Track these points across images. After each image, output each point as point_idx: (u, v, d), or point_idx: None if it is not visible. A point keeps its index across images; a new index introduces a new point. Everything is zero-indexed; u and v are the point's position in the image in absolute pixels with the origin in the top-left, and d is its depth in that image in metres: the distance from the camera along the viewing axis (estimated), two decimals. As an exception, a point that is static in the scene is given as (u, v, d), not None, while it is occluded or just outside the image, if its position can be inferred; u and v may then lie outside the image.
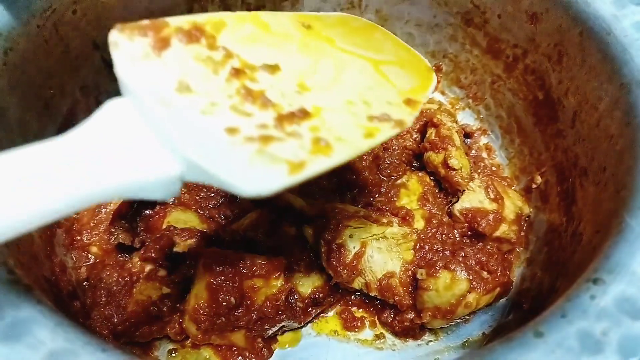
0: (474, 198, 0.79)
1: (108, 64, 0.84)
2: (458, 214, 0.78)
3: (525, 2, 0.80)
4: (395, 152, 0.88)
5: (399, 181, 0.85)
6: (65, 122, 0.78)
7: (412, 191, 0.84)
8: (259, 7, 0.93)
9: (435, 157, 0.83)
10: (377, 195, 0.83)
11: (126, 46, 0.46)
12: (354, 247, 0.73)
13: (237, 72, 0.50)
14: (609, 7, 0.69)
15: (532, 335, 0.46)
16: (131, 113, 0.43)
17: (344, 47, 0.60)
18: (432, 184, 0.85)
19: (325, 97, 0.52)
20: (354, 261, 0.72)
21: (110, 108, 0.44)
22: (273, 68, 0.52)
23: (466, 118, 0.98)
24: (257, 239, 0.75)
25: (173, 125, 0.42)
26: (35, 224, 0.38)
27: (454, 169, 0.81)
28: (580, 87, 0.73)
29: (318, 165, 0.45)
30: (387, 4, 0.97)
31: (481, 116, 0.97)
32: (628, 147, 0.62)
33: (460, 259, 0.71)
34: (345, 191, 0.82)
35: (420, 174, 0.86)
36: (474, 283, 0.70)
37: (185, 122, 0.43)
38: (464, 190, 0.80)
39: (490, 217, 0.76)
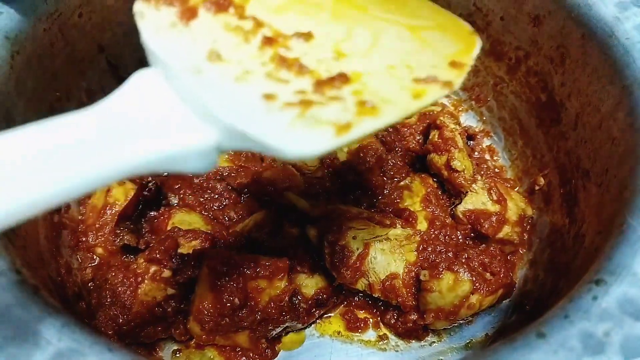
0: (476, 200, 0.79)
1: (113, 66, 0.85)
2: (461, 216, 0.78)
3: (528, 5, 0.80)
4: (399, 154, 0.88)
5: (402, 183, 0.85)
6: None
7: (415, 193, 0.84)
8: None
9: (438, 159, 0.83)
10: (380, 197, 0.83)
11: (152, 15, 0.45)
12: (357, 249, 0.73)
13: (269, 41, 0.48)
14: (611, 9, 0.70)
15: (535, 335, 0.46)
16: (161, 83, 0.42)
17: (379, 15, 0.57)
18: (435, 186, 0.85)
19: (364, 63, 0.50)
20: (357, 262, 0.72)
21: (138, 78, 0.43)
22: (306, 36, 0.50)
23: (469, 120, 0.98)
24: (261, 240, 0.75)
25: (207, 92, 0.40)
26: (68, 195, 0.37)
27: (456, 171, 0.81)
28: (582, 89, 0.73)
29: (366, 126, 0.42)
30: (390, 7, 0.98)
31: (484, 118, 0.97)
32: (630, 149, 0.62)
33: (463, 261, 0.71)
34: (349, 193, 0.83)
35: (423, 176, 0.86)
36: (477, 284, 0.70)
37: (219, 90, 0.42)
38: (466, 192, 0.80)
39: (493, 218, 0.77)
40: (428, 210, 0.81)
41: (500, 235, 0.77)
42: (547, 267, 0.75)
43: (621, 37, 0.67)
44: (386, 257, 0.73)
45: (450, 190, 0.84)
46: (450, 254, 0.72)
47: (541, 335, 0.46)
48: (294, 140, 0.39)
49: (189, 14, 0.47)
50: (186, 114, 0.41)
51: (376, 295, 0.73)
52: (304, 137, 0.40)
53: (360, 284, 0.73)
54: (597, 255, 0.55)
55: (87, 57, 0.80)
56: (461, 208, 0.79)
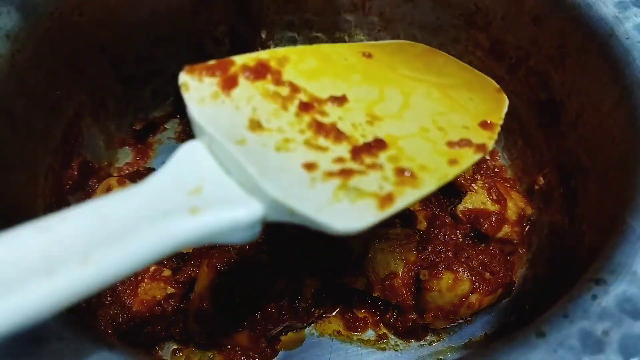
0: (476, 199, 0.79)
1: (114, 65, 0.85)
2: (461, 215, 0.78)
3: (528, 5, 0.80)
4: None
5: (402, 182, 0.85)
6: (71, 124, 0.79)
7: (415, 192, 0.84)
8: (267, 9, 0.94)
9: None
10: None
11: (196, 87, 0.45)
12: (357, 248, 0.73)
13: (305, 106, 0.49)
14: (611, 9, 0.70)
15: (534, 334, 0.46)
16: (207, 155, 0.42)
17: (408, 73, 0.58)
18: (435, 186, 0.85)
19: (398, 126, 0.50)
20: (357, 262, 0.72)
21: (185, 152, 0.43)
22: (340, 100, 0.51)
23: (469, 120, 0.98)
24: (261, 239, 0.75)
25: (252, 163, 0.40)
26: (120, 275, 0.36)
27: None
28: (582, 89, 0.73)
29: (408, 197, 0.43)
30: (390, 6, 0.98)
31: (484, 118, 0.97)
32: (630, 148, 0.62)
33: (463, 260, 0.71)
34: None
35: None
36: (476, 284, 0.70)
37: (262, 160, 0.41)
38: (466, 192, 0.80)
39: (493, 218, 0.77)
40: (427, 209, 0.81)
41: (500, 234, 0.77)
42: (547, 267, 0.75)
43: (621, 36, 0.67)
44: (386, 257, 0.73)
45: (450, 189, 0.83)
46: (449, 254, 0.72)
47: (541, 334, 0.46)
48: (339, 214, 0.39)
49: (230, 82, 0.47)
50: (232, 187, 0.41)
51: (375, 295, 0.74)
52: (348, 212, 0.40)
53: (360, 283, 0.73)
54: (597, 255, 0.55)
55: (88, 57, 0.80)
56: (461, 207, 0.79)
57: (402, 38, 1.01)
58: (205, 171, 0.42)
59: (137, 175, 0.84)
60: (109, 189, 0.79)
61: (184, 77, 0.46)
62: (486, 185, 0.80)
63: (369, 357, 0.74)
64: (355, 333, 0.76)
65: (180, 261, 0.72)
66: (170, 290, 0.70)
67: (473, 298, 0.70)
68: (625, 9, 0.69)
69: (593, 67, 0.71)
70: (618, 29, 0.68)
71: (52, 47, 0.72)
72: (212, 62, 0.48)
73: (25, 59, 0.67)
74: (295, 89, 0.50)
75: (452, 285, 0.69)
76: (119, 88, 0.88)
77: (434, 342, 0.75)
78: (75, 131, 0.80)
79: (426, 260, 0.73)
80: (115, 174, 0.87)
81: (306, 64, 0.53)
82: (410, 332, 0.74)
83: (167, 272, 0.70)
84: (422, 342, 0.75)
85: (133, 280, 0.70)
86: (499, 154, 0.93)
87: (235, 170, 0.41)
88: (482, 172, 0.87)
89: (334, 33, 1.00)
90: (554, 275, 0.72)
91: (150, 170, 0.87)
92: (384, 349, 0.75)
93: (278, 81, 0.50)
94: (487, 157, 0.93)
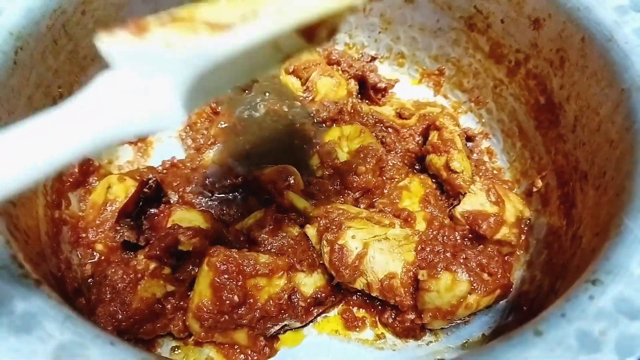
0: (475, 201, 0.79)
1: (115, 64, 0.85)
2: (459, 217, 0.79)
3: (528, 8, 0.81)
4: (398, 155, 0.89)
5: (401, 183, 0.85)
6: (73, 121, 0.79)
7: (414, 193, 0.84)
8: None
9: (438, 160, 0.84)
10: (379, 197, 0.83)
11: (109, 38, 0.47)
12: (356, 248, 0.73)
13: None
14: (611, 13, 0.70)
15: (532, 333, 0.47)
16: (119, 75, 0.46)
17: None
18: (434, 187, 0.86)
19: None
20: (356, 262, 0.73)
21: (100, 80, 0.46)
22: None
23: (468, 122, 0.99)
24: (261, 239, 0.76)
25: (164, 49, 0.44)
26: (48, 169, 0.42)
27: (455, 172, 0.82)
28: (581, 92, 0.74)
29: None
30: (391, 8, 0.98)
31: (483, 120, 0.98)
32: (628, 151, 0.63)
33: (461, 261, 0.72)
34: (348, 193, 0.83)
35: (422, 177, 0.87)
36: (474, 285, 0.70)
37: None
38: (465, 193, 0.81)
39: (491, 219, 0.77)
40: (427, 210, 0.82)
41: (498, 236, 0.77)
42: (544, 268, 0.76)
43: (620, 40, 0.68)
44: (385, 257, 0.73)
45: (449, 191, 0.84)
46: (448, 254, 0.73)
47: (538, 333, 0.47)
48: None
49: (142, 30, 0.48)
50: (142, 82, 0.45)
51: (374, 295, 0.74)
52: None
53: (359, 283, 0.74)
54: (594, 256, 0.55)
55: (90, 54, 0.81)
56: (460, 209, 0.79)
57: (402, 40, 1.02)
58: (119, 80, 0.45)
59: (137, 172, 0.85)
60: (109, 187, 0.79)
61: (99, 38, 0.47)
62: (485, 187, 0.80)
63: (367, 357, 0.74)
64: (354, 332, 0.76)
65: (180, 259, 0.72)
66: (169, 287, 0.71)
67: (471, 299, 0.70)
68: (624, 13, 0.70)
69: (592, 71, 0.71)
70: (617, 33, 0.68)
71: (54, 44, 0.73)
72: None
73: (28, 56, 0.68)
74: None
75: (451, 285, 0.69)
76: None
77: (431, 342, 0.76)
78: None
79: (425, 260, 0.73)
80: (115, 172, 0.87)
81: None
82: (408, 332, 0.75)
83: (167, 270, 0.71)
84: (419, 342, 0.76)
85: (133, 277, 0.70)
86: (497, 156, 0.94)
87: (148, 61, 0.45)
88: (481, 174, 0.88)
89: (334, 34, 1.00)
90: (551, 277, 0.72)
91: (150, 168, 0.87)
92: (382, 349, 0.75)
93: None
94: (486, 159, 0.93)
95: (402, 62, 1.05)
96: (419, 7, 0.96)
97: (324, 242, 0.74)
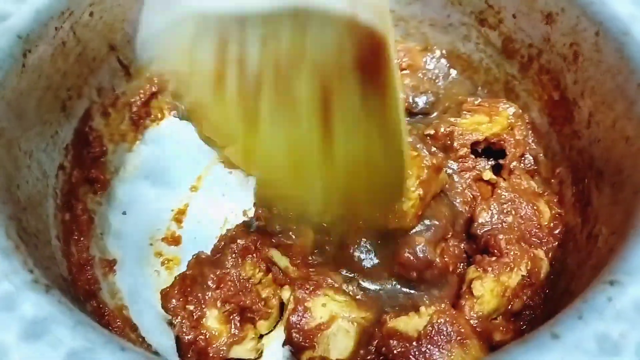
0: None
1: (124, 65, 0.85)
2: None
3: (540, 2, 0.80)
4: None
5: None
6: (82, 123, 0.80)
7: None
8: None
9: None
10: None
11: None
12: (321, 317, 0.68)
13: None
14: (627, 6, 0.69)
15: (549, 336, 0.45)
16: None
17: None
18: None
19: None
20: (315, 331, 0.67)
21: None
22: None
23: (480, 118, 0.97)
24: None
25: None
26: None
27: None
28: (596, 88, 0.72)
29: None
30: (400, 4, 0.97)
31: (495, 116, 0.96)
32: (645, 148, 0.61)
33: None
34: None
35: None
36: None
37: None
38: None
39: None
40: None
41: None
42: (559, 268, 0.74)
43: (637, 34, 0.66)
44: (347, 342, 0.67)
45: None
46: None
47: (555, 336, 0.45)
48: None
49: None
50: None
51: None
52: None
53: (306, 355, 0.68)
54: (611, 256, 0.54)
55: (99, 56, 0.81)
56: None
57: (413, 36, 1.01)
58: None
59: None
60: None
61: None
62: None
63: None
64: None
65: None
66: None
67: None
68: (640, 6, 0.68)
69: (607, 66, 0.70)
70: (633, 26, 0.67)
71: (63, 47, 0.72)
72: None
73: (36, 58, 0.67)
74: None
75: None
76: (129, 87, 0.89)
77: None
78: (86, 130, 0.81)
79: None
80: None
81: None
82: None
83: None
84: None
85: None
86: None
87: None
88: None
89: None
90: (566, 277, 0.71)
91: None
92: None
93: None
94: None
95: (412, 59, 1.04)
96: (429, 2, 0.95)
97: (291, 297, 0.70)
